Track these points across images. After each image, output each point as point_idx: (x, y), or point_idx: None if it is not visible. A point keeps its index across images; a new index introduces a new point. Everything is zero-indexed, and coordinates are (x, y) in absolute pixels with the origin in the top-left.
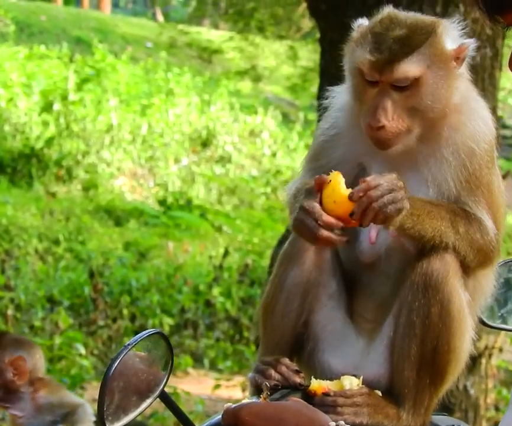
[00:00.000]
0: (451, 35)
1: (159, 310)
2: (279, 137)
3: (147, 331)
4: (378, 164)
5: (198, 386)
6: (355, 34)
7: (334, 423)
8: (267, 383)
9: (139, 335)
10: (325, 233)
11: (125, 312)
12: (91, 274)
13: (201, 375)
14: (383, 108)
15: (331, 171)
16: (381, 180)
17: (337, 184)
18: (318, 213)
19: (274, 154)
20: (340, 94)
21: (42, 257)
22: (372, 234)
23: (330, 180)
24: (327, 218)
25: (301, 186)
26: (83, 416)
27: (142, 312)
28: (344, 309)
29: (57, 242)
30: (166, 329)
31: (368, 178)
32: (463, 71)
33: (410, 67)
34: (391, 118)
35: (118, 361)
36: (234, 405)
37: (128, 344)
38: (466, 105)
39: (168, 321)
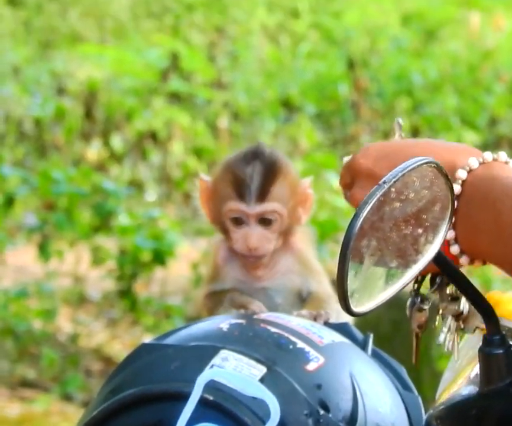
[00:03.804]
0: None
1: (456, 120)
2: None
3: (413, 160)
4: None
5: None
6: None
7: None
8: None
9: (400, 167)
10: None
11: (403, 123)
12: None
13: None
14: None
15: None
16: None
17: None
18: None
19: None
20: None
21: None
22: None
23: None
24: None
25: None
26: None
27: (428, 123)
28: None
29: None
30: None
31: None
32: None
33: None
34: None
35: (367, 208)
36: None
37: (384, 182)
38: None
39: (470, 137)
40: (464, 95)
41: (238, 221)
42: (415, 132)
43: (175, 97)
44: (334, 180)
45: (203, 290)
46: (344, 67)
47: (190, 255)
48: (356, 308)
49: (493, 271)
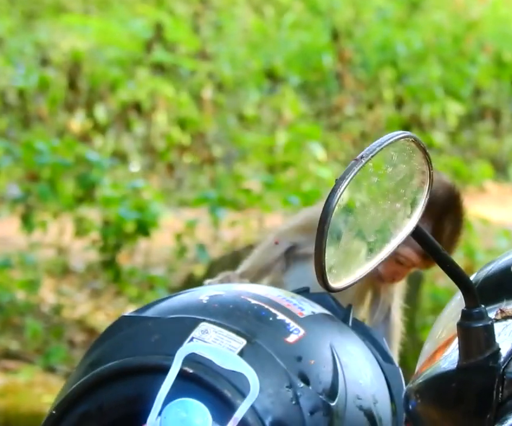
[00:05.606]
0: None
1: (440, 91)
2: None
3: (391, 134)
4: None
5: (501, 208)
6: None
7: None
8: None
9: (377, 142)
10: None
11: (387, 93)
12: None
13: (505, 193)
14: None
15: None
16: None
17: None
18: None
19: None
20: None
21: None
22: None
23: None
24: None
25: None
26: None
27: (413, 94)
28: None
29: None
30: (451, 122)
31: None
32: None
33: None
34: None
35: (345, 184)
36: None
37: (361, 157)
38: None
39: (454, 109)
40: (449, 66)
41: (400, 262)
42: (399, 103)
43: (159, 68)
44: (318, 151)
45: (283, 235)
46: (329, 37)
47: (173, 226)
48: (334, 284)
49: (477, 242)
